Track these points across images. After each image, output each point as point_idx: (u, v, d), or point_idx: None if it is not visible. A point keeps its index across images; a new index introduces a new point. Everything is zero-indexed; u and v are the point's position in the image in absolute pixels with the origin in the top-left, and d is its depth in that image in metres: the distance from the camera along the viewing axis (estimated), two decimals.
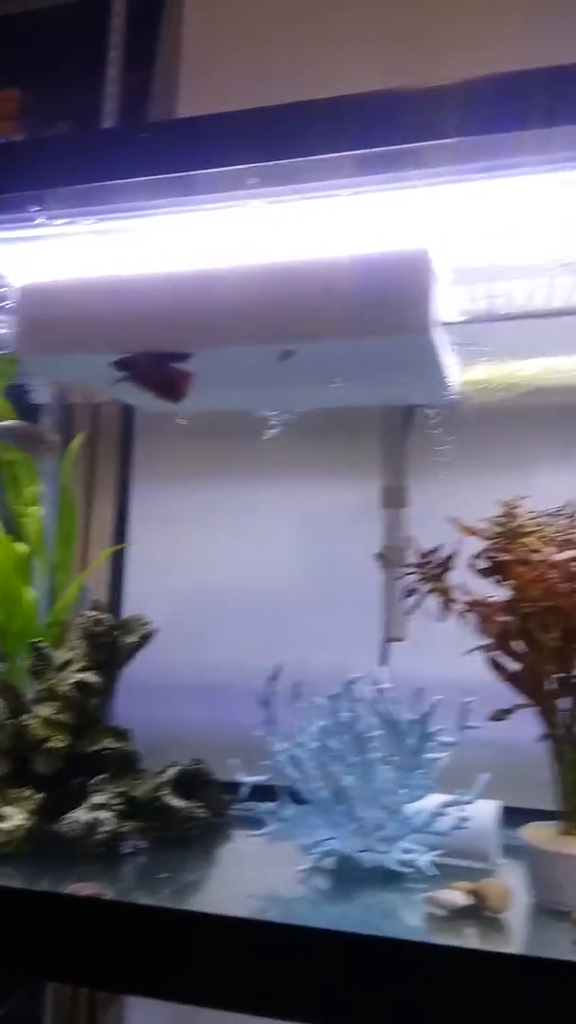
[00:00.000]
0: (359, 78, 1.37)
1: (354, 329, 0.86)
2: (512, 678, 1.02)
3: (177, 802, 1.15)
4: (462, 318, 1.04)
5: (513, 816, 1.11)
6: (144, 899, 1.02)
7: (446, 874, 1.04)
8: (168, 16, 1.71)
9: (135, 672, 1.33)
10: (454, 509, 1.06)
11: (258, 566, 1.44)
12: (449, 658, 1.05)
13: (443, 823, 1.07)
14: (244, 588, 1.46)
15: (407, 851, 1.07)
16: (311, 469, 1.42)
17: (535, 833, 1.02)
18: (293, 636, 1.40)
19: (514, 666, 1.02)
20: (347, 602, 1.37)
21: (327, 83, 1.38)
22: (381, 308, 0.85)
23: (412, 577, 1.04)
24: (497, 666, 1.03)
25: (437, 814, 1.07)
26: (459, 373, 1.17)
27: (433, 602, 1.04)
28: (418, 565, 1.03)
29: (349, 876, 1.07)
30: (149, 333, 0.93)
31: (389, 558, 1.21)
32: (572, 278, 0.94)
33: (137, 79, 1.81)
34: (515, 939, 0.94)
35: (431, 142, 0.93)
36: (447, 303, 1.02)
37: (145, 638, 1.27)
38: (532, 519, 1.02)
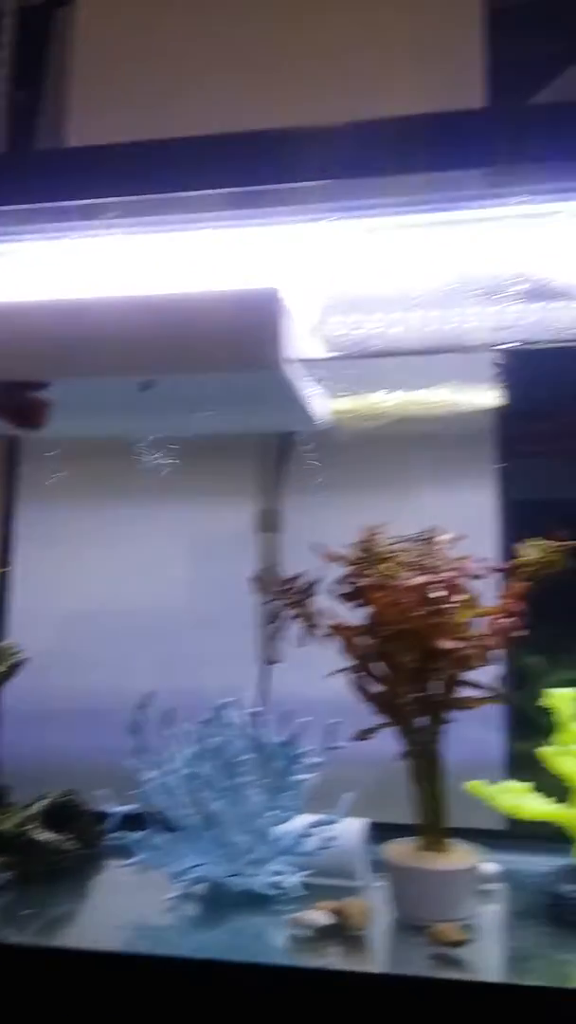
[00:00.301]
0: (233, 112, 1.42)
1: (209, 363, 0.88)
2: (373, 699, 1.05)
3: (45, 836, 1.13)
4: (330, 353, 1.07)
5: (390, 832, 1.12)
6: (11, 936, 1.00)
7: (317, 894, 1.05)
8: (58, 33, 1.71)
9: (13, 699, 1.30)
10: (330, 532, 1.09)
11: (144, 589, 1.44)
12: (329, 678, 1.07)
13: (310, 843, 1.09)
14: (128, 611, 1.45)
15: (276, 873, 1.09)
16: (199, 492, 1.43)
17: (396, 849, 1.05)
18: (177, 659, 1.40)
19: (376, 687, 1.06)
20: (231, 625, 1.39)
21: (206, 112, 1.41)
22: (235, 344, 0.88)
23: (277, 602, 1.06)
24: (359, 687, 1.06)
25: (304, 835, 1.09)
26: (324, 403, 1.21)
27: (298, 626, 1.07)
28: (281, 590, 1.06)
29: (219, 901, 1.08)
30: (6, 362, 0.93)
31: (264, 581, 1.23)
32: (423, 312, 0.99)
33: (26, 96, 1.79)
34: (373, 956, 0.96)
35: (294, 184, 0.96)
36: (309, 338, 1.06)
37: (14, 668, 1.25)
38: (390, 545, 1.06)
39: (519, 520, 1.38)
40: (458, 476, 1.36)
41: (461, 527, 1.36)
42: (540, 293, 0.89)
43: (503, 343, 0.93)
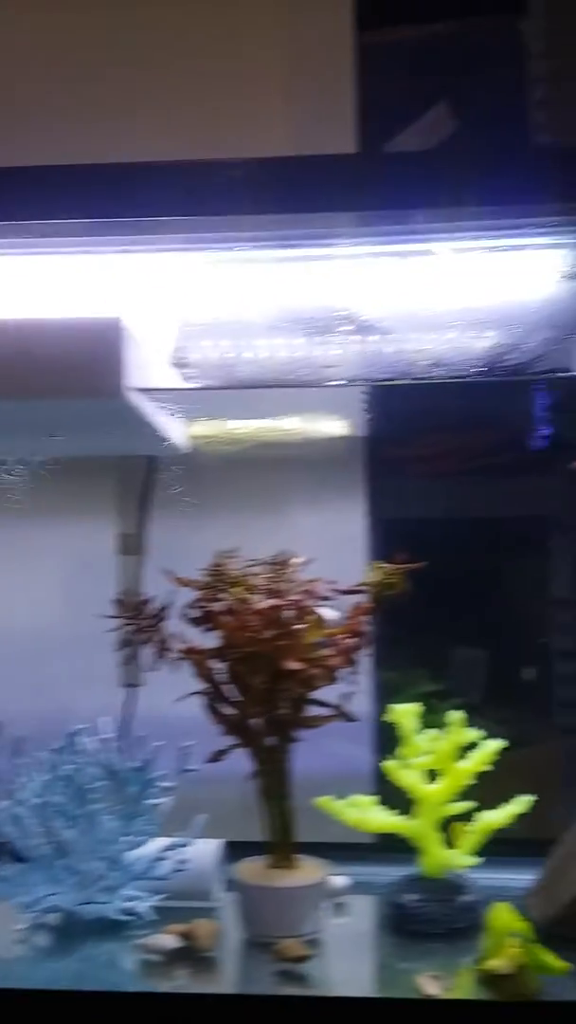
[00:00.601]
0: (93, 143, 1.41)
1: (50, 390, 0.88)
2: (223, 720, 1.07)
3: None
4: (183, 383, 1.09)
5: (252, 851, 1.12)
6: None
7: (172, 917, 1.06)
8: None
9: None
10: (197, 555, 1.09)
11: (6, 612, 1.41)
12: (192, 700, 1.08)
13: (164, 867, 1.09)
14: None
15: (129, 899, 1.08)
16: (62, 514, 1.41)
17: (246, 868, 1.07)
18: (41, 683, 1.37)
19: (227, 709, 1.07)
20: (96, 648, 1.36)
21: (61, 143, 1.40)
22: (76, 372, 0.88)
23: (128, 626, 1.07)
24: (211, 710, 1.08)
25: (158, 859, 1.09)
26: (181, 429, 1.23)
27: (150, 650, 1.08)
28: (133, 615, 1.06)
29: (72, 930, 1.06)
30: None
31: (124, 605, 1.23)
32: (268, 342, 1.02)
33: None
34: (221, 976, 0.98)
35: (149, 218, 0.97)
36: (162, 366, 1.07)
37: None
38: (241, 569, 1.08)
39: (387, 538, 1.44)
40: (327, 498, 1.41)
41: (331, 547, 1.42)
42: (368, 330, 0.93)
43: (333, 380, 0.98)
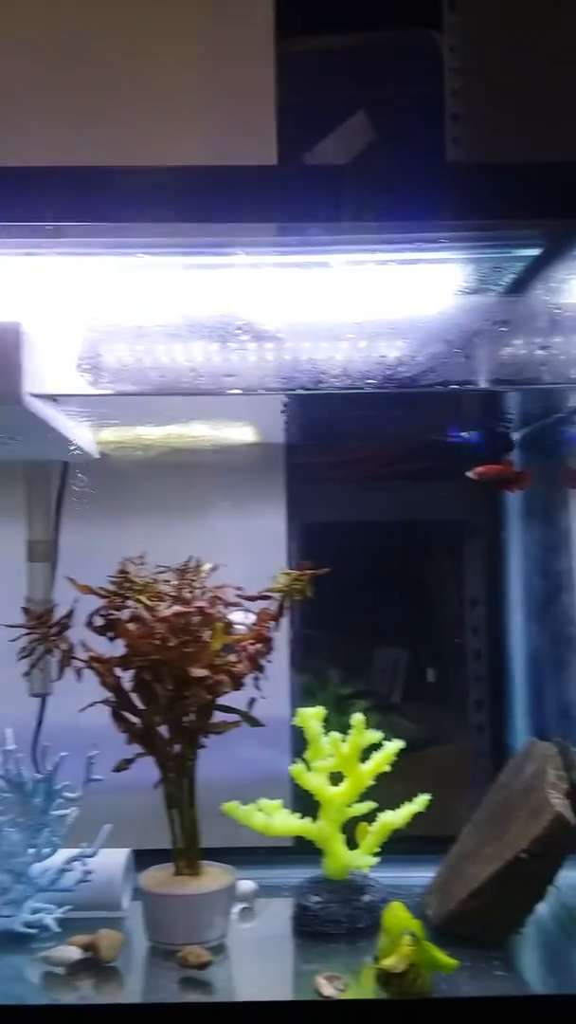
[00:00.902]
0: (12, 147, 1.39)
1: None
2: (129, 729, 1.06)
3: None
4: (92, 389, 1.08)
5: (160, 859, 1.12)
6: None
7: (81, 928, 1.04)
8: None
9: None
10: (112, 561, 1.08)
11: None
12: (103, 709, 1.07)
13: (69, 878, 1.08)
14: None
15: (35, 911, 1.07)
16: None
17: (150, 876, 1.06)
18: None
19: (134, 718, 1.07)
20: (8, 656, 1.35)
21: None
22: None
23: (31, 635, 1.05)
24: (118, 718, 1.07)
25: (63, 870, 1.08)
26: (88, 435, 1.22)
27: (54, 659, 1.06)
28: (36, 623, 1.05)
29: None
30: None
31: (33, 613, 1.21)
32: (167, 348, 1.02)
33: None
34: (124, 986, 0.97)
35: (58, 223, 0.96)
36: (69, 371, 1.06)
37: None
38: (147, 576, 1.08)
39: (307, 542, 1.45)
40: (248, 502, 1.41)
41: (253, 550, 1.42)
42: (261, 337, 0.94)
43: (232, 388, 0.98)
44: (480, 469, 1.29)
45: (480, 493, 1.45)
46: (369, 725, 1.11)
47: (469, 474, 1.28)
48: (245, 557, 1.22)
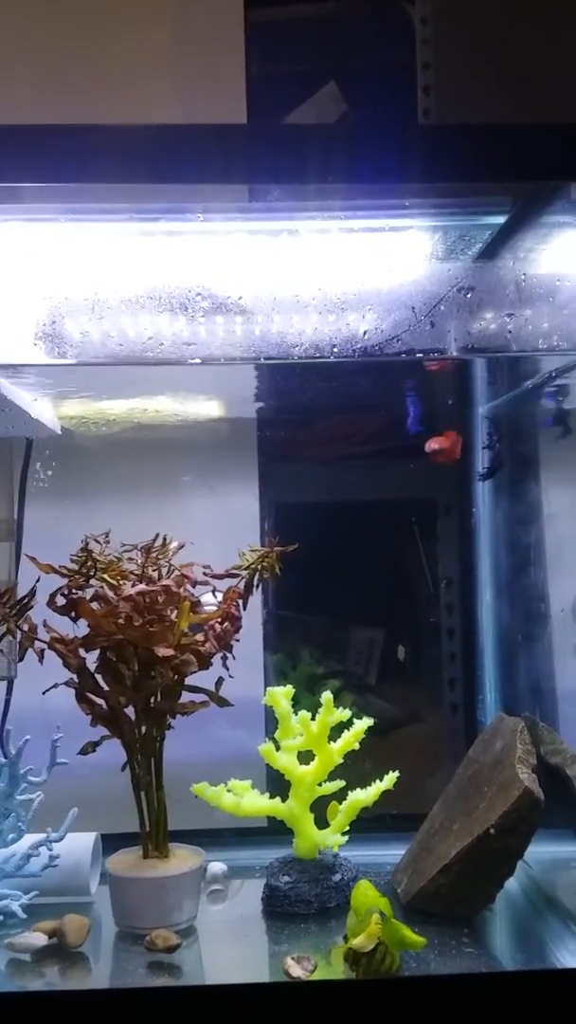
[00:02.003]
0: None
1: None
2: (95, 711, 1.04)
3: None
4: (52, 359, 1.05)
5: (129, 842, 1.11)
6: None
7: (49, 913, 1.02)
8: None
9: None
10: (76, 540, 1.06)
11: None
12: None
13: (35, 864, 1.06)
14: None
15: (0, 898, 1.05)
16: None
17: (118, 860, 1.04)
18: None
19: (98, 700, 1.04)
20: None
21: None
22: None
23: None
24: (82, 700, 1.05)
25: (29, 855, 1.05)
26: (50, 409, 1.19)
27: (15, 641, 1.04)
28: None
29: None
30: None
31: None
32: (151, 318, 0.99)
33: None
34: (90, 972, 0.95)
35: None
36: (27, 342, 1.03)
37: None
38: (112, 554, 1.05)
39: (280, 521, 1.44)
40: (221, 480, 1.39)
41: (226, 528, 1.40)
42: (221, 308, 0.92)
43: (193, 358, 0.95)
44: (434, 445, 1.29)
45: (452, 471, 1.45)
46: (344, 705, 1.11)
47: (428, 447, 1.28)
48: (217, 537, 1.20)
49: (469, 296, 0.96)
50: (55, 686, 1.02)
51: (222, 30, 1.41)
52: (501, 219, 0.94)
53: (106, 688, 1.03)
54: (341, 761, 1.08)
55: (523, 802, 0.94)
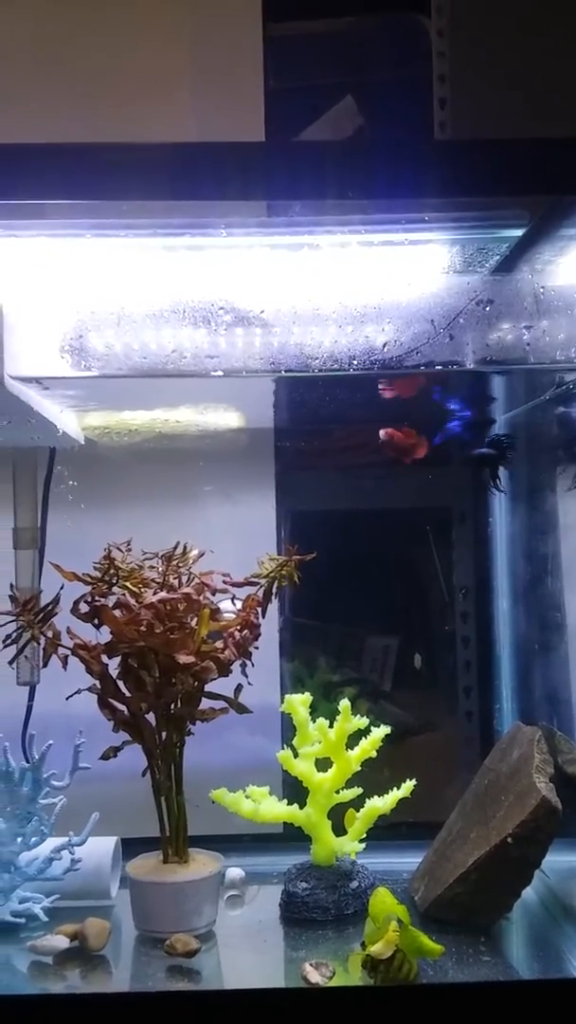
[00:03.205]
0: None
1: None
2: (116, 716, 1.05)
3: None
4: (74, 372, 1.07)
5: (149, 847, 1.12)
6: None
7: (70, 916, 1.04)
8: None
9: None
10: (96, 548, 1.07)
11: None
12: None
13: (57, 867, 1.07)
14: None
15: (23, 901, 1.06)
16: None
17: (138, 864, 1.06)
18: None
19: (120, 705, 1.06)
20: None
21: None
22: None
23: (16, 623, 1.04)
24: (104, 706, 1.06)
25: (51, 859, 1.07)
26: (74, 419, 1.21)
27: (40, 647, 1.05)
28: (19, 612, 1.04)
29: None
30: None
31: (15, 600, 1.20)
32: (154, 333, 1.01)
33: None
34: (110, 975, 0.96)
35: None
36: (51, 354, 1.05)
37: None
38: (134, 562, 1.07)
39: (297, 529, 1.45)
40: (238, 489, 1.40)
41: (243, 536, 1.41)
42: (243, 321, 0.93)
43: (215, 371, 0.97)
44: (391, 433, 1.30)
45: (468, 480, 1.46)
46: (359, 712, 1.11)
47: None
48: (234, 544, 1.22)
49: (488, 309, 0.98)
50: (78, 692, 1.04)
51: (240, 45, 1.43)
52: (519, 232, 0.96)
53: (128, 694, 1.05)
54: (359, 769, 1.09)
55: (541, 811, 0.94)
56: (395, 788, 1.10)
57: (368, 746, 1.08)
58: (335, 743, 1.08)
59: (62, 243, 0.99)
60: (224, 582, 1.08)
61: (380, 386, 1.26)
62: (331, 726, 1.09)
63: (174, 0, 1.42)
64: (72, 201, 0.92)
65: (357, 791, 1.10)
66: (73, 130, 1.33)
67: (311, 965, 0.89)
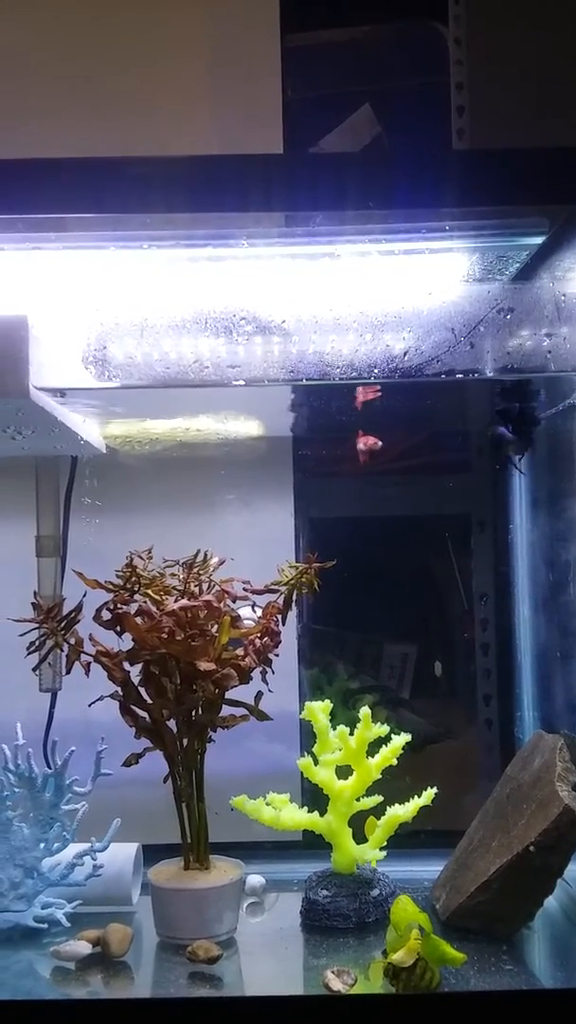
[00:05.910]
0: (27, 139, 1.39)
1: None
2: (138, 723, 1.06)
3: None
4: (98, 383, 1.08)
5: (174, 853, 1.13)
6: None
7: (91, 922, 1.04)
8: None
9: None
10: (121, 556, 1.09)
11: None
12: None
13: (79, 873, 1.08)
14: None
15: (45, 906, 1.07)
16: None
17: (160, 871, 1.07)
18: None
19: (141, 712, 1.07)
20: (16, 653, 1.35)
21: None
22: None
23: (40, 630, 1.05)
24: (126, 712, 1.07)
25: (73, 865, 1.08)
26: (96, 429, 1.22)
27: (63, 654, 1.06)
28: (43, 619, 1.05)
29: None
30: None
31: (42, 608, 1.21)
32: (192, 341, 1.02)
33: None
34: (133, 981, 0.97)
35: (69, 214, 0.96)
36: (75, 365, 1.06)
37: None
38: (155, 570, 1.07)
39: (316, 536, 1.45)
40: (256, 497, 1.41)
41: (262, 543, 1.42)
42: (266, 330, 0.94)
43: (237, 380, 0.98)
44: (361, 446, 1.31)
45: (487, 485, 1.46)
46: (378, 720, 1.11)
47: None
48: (253, 551, 1.23)
49: (508, 317, 0.98)
50: (101, 698, 1.05)
51: (259, 56, 1.45)
52: (539, 240, 0.96)
53: (149, 701, 1.06)
54: (379, 776, 1.09)
55: (563, 820, 0.94)
56: (416, 796, 1.10)
57: (389, 754, 1.08)
58: (356, 751, 1.08)
59: (85, 255, 1.01)
60: (244, 589, 1.09)
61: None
62: (351, 734, 1.10)
63: (192, 13, 1.44)
64: (95, 215, 0.94)
65: (377, 799, 1.10)
66: (94, 144, 1.35)
67: (333, 972, 0.89)
